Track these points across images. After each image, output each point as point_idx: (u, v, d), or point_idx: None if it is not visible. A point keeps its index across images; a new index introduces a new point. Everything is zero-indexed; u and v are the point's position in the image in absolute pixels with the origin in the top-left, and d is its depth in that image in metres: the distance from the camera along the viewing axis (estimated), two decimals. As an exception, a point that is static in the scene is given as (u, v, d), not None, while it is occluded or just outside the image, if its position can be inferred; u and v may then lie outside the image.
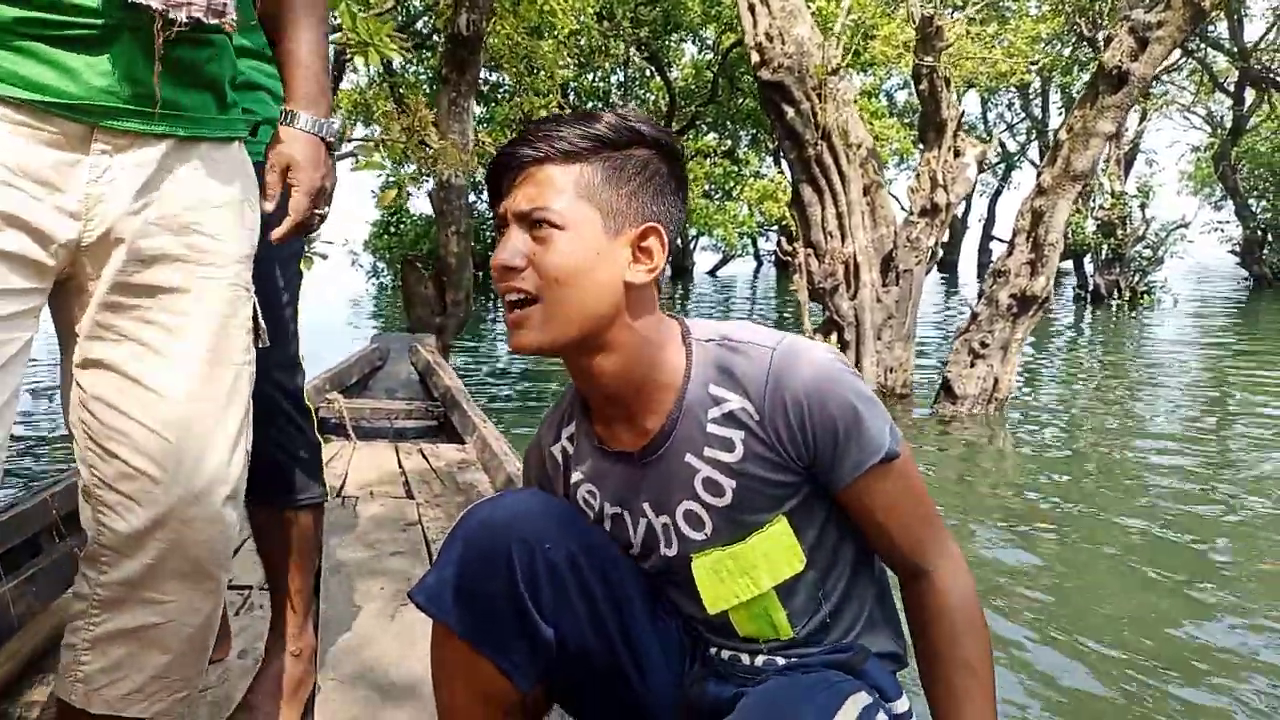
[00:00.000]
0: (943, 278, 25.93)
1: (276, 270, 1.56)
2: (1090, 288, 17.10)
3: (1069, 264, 19.67)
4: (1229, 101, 21.03)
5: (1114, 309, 15.72)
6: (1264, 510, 4.39)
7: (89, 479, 1.11)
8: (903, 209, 7.09)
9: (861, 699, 1.03)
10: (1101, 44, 6.97)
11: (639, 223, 1.06)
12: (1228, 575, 3.60)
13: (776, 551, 1.11)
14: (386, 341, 5.56)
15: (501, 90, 17.94)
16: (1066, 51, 18.06)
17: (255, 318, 1.21)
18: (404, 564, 2.39)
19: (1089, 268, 17.42)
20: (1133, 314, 15.09)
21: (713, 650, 1.20)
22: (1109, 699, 2.61)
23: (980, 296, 6.56)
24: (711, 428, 1.10)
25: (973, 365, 6.49)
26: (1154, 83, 21.10)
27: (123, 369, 1.09)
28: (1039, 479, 5.14)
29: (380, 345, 5.48)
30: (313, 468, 1.68)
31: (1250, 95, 20.38)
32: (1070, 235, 15.50)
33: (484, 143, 13.14)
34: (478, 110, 20.05)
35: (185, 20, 1.03)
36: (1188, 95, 24.10)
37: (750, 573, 1.12)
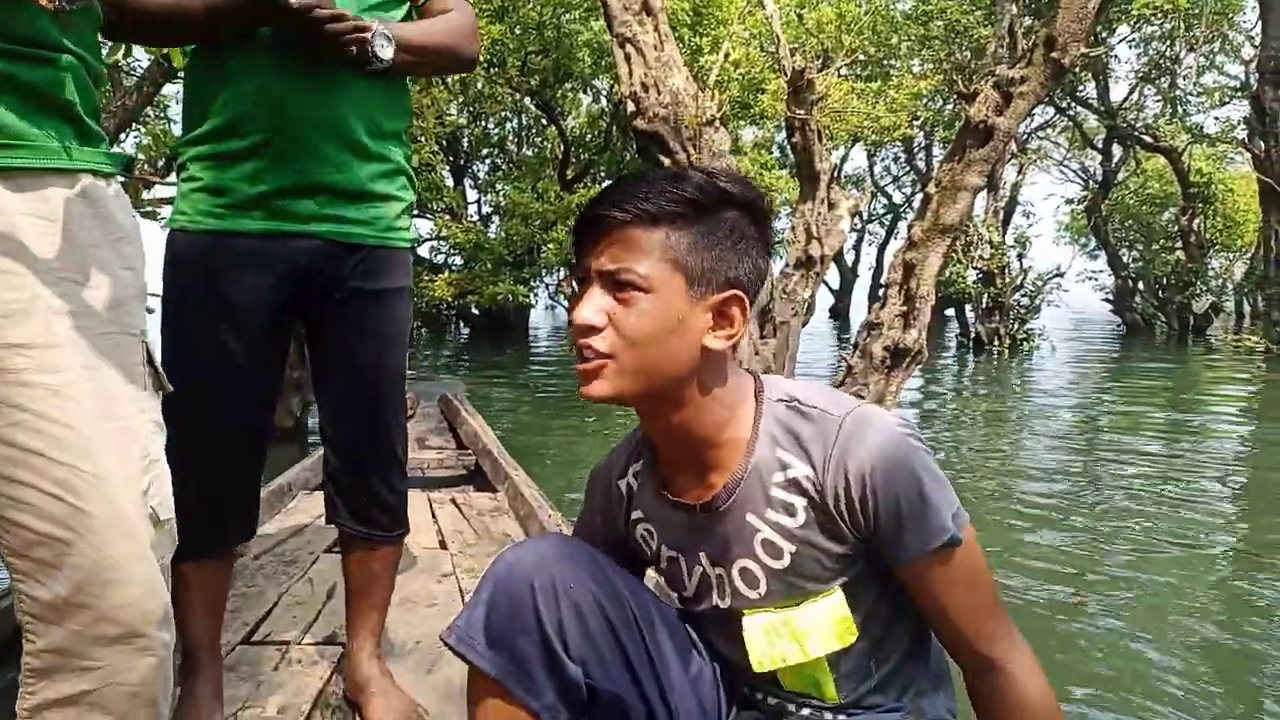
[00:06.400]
0: (835, 325, 26.34)
1: (387, 309, 1.67)
2: (972, 335, 17.53)
3: (952, 311, 20.18)
4: (1100, 157, 22.05)
5: (994, 356, 16.12)
6: (1119, 536, 4.64)
7: (3, 548, 1.04)
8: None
9: None
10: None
11: (723, 288, 1.05)
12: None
13: (829, 622, 1.09)
14: (416, 390, 5.40)
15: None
16: (947, 107, 18.68)
17: (150, 362, 1.14)
18: (440, 616, 2.32)
19: (970, 316, 17.85)
20: (1013, 361, 15.49)
21: (759, 695, 1.19)
22: None
23: (855, 349, 6.52)
24: (775, 491, 1.09)
25: (849, 418, 6.40)
26: (1030, 138, 22.08)
27: (11, 439, 1.00)
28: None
29: (410, 394, 5.28)
30: (405, 502, 1.82)
31: (1118, 151, 21.44)
32: (952, 284, 15.88)
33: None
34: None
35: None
36: (1061, 151, 25.27)
37: (800, 639, 1.10)
